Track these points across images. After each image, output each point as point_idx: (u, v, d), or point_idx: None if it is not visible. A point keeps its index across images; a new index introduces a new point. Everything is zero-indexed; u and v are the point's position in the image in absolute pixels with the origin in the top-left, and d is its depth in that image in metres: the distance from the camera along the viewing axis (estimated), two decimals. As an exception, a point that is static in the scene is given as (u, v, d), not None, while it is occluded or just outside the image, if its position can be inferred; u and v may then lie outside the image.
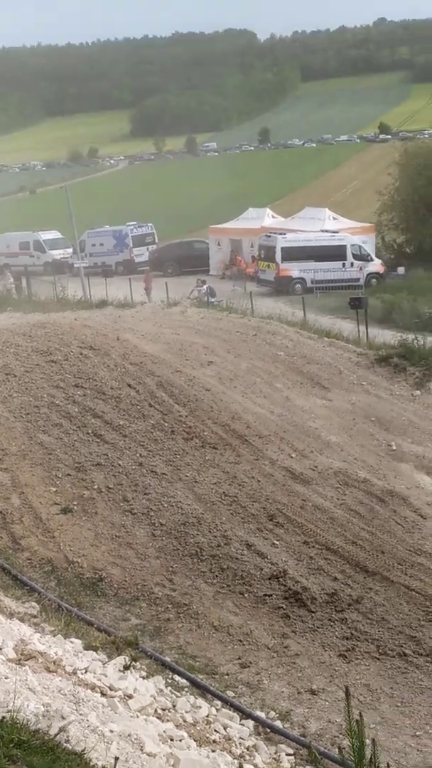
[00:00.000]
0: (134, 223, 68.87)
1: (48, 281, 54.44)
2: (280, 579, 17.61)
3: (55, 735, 7.15)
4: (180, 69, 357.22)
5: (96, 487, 20.82)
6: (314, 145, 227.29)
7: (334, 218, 59.95)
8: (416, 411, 27.52)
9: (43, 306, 44.92)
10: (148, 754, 9.61)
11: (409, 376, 29.88)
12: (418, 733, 13.61)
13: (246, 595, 17.33)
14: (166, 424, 23.67)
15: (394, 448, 24.21)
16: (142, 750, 9.66)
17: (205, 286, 48.47)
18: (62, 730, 7.81)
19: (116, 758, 4.18)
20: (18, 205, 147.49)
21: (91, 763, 6.96)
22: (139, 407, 24.39)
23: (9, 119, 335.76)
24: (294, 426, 24.69)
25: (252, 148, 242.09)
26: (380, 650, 15.84)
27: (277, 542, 18.92)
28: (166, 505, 20.02)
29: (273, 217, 64.13)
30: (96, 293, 48.99)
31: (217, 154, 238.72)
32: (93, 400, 24.56)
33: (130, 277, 52.74)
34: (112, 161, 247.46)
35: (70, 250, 65.31)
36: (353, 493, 21.20)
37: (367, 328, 34.95)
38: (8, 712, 7.69)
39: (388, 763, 6.16)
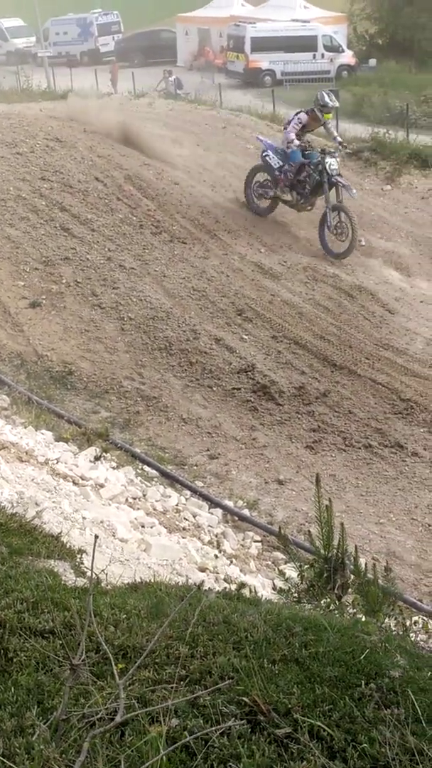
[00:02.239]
0: (99, 10, 66.30)
1: (11, 71, 52.74)
2: (249, 373, 17.74)
3: (32, 519, 7.31)
4: None
5: (64, 281, 20.67)
6: None
7: (306, 7, 57.97)
8: (386, 206, 27.34)
9: (7, 97, 43.58)
10: (120, 540, 9.88)
11: (380, 170, 29.60)
12: (381, 521, 14.01)
13: (215, 388, 17.48)
14: (135, 218, 23.39)
15: (363, 243, 24.08)
16: (114, 536, 9.92)
17: (172, 78, 47.25)
18: (38, 515, 7.98)
19: (96, 536, 4.25)
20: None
21: (68, 545, 7.14)
22: (106, 201, 24.02)
23: None
24: (263, 220, 24.48)
25: None
26: (346, 442, 16.12)
27: (246, 337, 19.00)
28: (134, 300, 19.96)
29: (242, 5, 61.81)
30: (61, 84, 47.63)
31: None
32: (60, 194, 24.12)
33: (95, 68, 51.24)
34: None
35: (33, 39, 62.90)
36: (322, 288, 21.22)
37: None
38: (-17, 498, 7.83)
39: (356, 546, 6.32)
